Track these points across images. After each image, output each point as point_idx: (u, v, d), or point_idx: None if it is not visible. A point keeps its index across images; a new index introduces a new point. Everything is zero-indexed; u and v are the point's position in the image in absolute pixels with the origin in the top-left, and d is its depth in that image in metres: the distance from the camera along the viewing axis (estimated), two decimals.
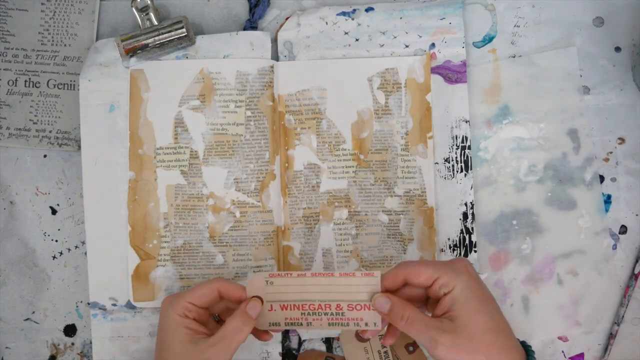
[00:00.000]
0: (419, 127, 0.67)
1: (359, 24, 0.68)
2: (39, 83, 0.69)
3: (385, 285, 0.57)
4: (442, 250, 0.66)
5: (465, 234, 0.66)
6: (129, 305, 0.66)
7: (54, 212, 0.69)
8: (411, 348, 0.67)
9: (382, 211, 0.67)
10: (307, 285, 0.57)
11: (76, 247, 0.69)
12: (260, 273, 0.59)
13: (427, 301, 0.59)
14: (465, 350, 0.54)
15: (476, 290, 0.55)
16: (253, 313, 0.57)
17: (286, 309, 0.58)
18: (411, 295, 0.58)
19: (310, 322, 0.58)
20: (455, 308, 0.54)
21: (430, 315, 0.56)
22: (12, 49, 0.69)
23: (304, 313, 0.58)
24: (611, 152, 0.68)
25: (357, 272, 0.57)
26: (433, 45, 0.67)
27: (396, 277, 0.56)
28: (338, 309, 0.57)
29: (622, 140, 0.68)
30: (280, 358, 0.67)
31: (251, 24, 0.69)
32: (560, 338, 0.67)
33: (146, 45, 0.66)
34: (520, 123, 0.68)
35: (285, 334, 0.68)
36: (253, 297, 0.58)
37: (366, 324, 0.58)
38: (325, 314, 0.57)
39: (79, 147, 0.68)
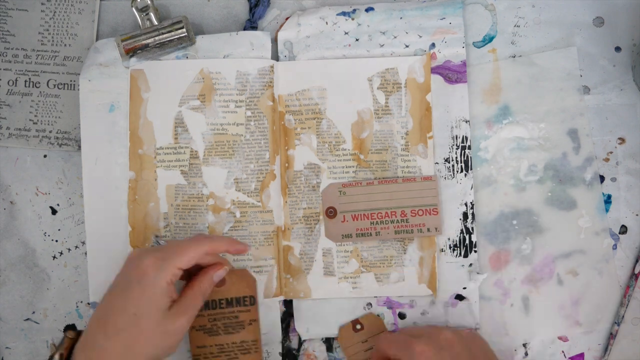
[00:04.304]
0: (419, 127, 0.67)
1: (359, 24, 0.68)
2: (39, 83, 0.69)
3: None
4: (442, 250, 0.67)
5: (465, 234, 0.67)
6: None
7: (54, 212, 0.69)
8: None
9: None
10: (375, 194, 0.64)
11: (76, 247, 0.69)
12: (334, 183, 0.65)
13: None
14: None
15: None
16: (217, 279, 0.59)
17: (357, 219, 0.64)
18: None
19: (379, 232, 0.64)
20: None
21: None
22: (12, 49, 0.69)
23: (373, 222, 0.64)
24: (611, 152, 0.68)
25: (417, 177, 0.64)
26: (433, 45, 0.67)
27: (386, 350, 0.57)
28: (402, 215, 0.64)
29: (622, 140, 0.68)
30: (280, 358, 0.67)
31: (251, 24, 0.69)
32: (560, 338, 0.67)
33: (146, 45, 0.66)
34: (520, 123, 0.68)
35: (285, 334, 0.68)
36: (220, 264, 0.60)
37: (428, 230, 0.64)
38: (392, 221, 0.64)
39: (79, 147, 0.68)
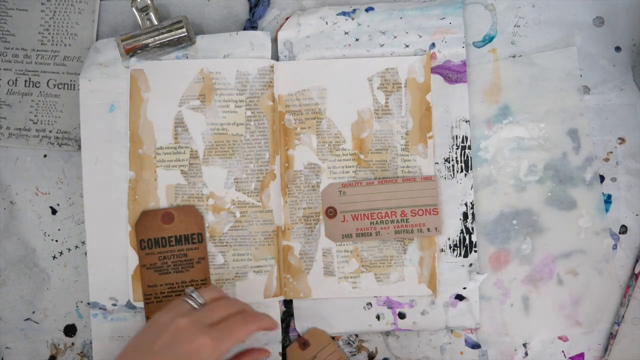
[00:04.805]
0: (419, 127, 0.67)
1: (359, 24, 0.68)
2: (39, 83, 0.69)
3: None
4: (442, 250, 0.67)
5: (465, 234, 0.67)
6: (129, 305, 0.66)
7: (54, 212, 0.69)
8: None
9: None
10: (375, 194, 0.64)
11: (76, 247, 0.69)
12: (334, 183, 0.66)
13: None
14: None
15: None
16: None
17: (357, 219, 0.64)
18: None
19: (379, 232, 0.64)
20: None
21: None
22: (12, 49, 0.69)
23: (373, 222, 0.64)
24: (611, 152, 0.68)
25: (417, 177, 0.65)
26: (433, 45, 0.67)
27: None
28: (402, 215, 0.64)
29: (622, 140, 0.68)
30: (281, 358, 0.67)
31: (251, 24, 0.69)
32: (560, 338, 0.67)
33: (146, 45, 0.66)
34: (520, 123, 0.68)
35: (285, 334, 0.68)
36: (266, 351, 0.63)
37: (428, 230, 0.65)
38: (392, 221, 0.64)
39: (79, 147, 0.68)
